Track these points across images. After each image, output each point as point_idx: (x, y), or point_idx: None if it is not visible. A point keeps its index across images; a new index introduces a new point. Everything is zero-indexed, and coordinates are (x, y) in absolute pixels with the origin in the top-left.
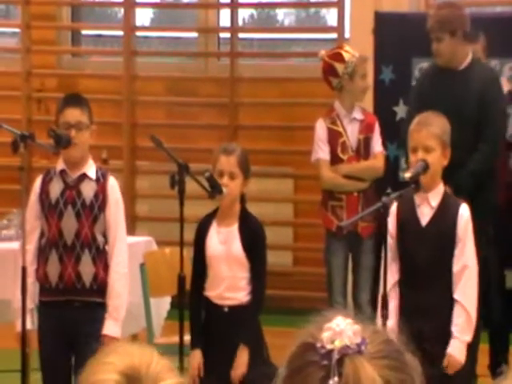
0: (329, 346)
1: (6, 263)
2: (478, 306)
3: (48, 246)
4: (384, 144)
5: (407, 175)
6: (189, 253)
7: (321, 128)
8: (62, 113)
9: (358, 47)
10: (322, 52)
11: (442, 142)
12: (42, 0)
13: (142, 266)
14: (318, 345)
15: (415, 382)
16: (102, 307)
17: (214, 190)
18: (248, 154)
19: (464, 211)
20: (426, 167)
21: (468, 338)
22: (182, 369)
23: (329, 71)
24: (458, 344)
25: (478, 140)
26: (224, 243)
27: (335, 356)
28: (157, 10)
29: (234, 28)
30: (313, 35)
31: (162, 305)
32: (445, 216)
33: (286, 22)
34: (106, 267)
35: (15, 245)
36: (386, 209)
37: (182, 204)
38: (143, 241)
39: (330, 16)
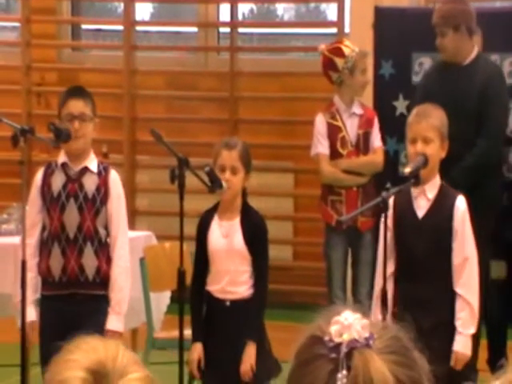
0: (337, 340)
1: (6, 257)
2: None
3: (50, 240)
4: (384, 139)
5: (407, 170)
6: (189, 247)
7: (320, 123)
8: (66, 104)
9: (358, 42)
10: (322, 46)
11: (440, 134)
12: None
13: (142, 260)
14: (326, 338)
15: (423, 379)
16: (104, 299)
17: (214, 184)
18: (249, 149)
19: (460, 203)
20: (425, 162)
21: (472, 330)
22: (181, 363)
23: (328, 66)
24: (464, 339)
25: (478, 135)
26: (226, 237)
27: (343, 349)
28: (157, 5)
29: (233, 22)
30: (313, 30)
31: (162, 299)
32: (441, 208)
33: (286, 17)
34: (109, 260)
35: (15, 239)
36: (385, 204)
37: (181, 198)
38: (143, 235)
39: (330, 11)
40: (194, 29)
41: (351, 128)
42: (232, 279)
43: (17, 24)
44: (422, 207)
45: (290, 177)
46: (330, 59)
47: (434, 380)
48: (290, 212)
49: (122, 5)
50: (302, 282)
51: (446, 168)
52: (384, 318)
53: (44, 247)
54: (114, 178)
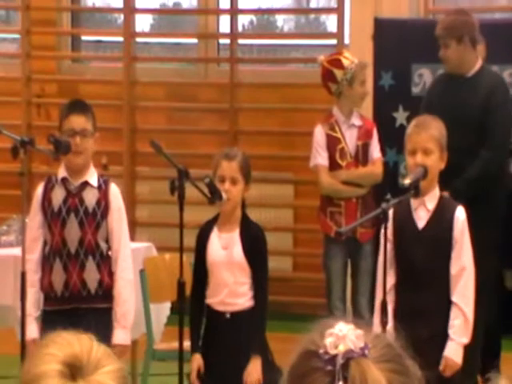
0: (332, 352)
1: (6, 269)
2: (478, 308)
3: (52, 255)
4: (383, 150)
5: (406, 181)
6: (189, 258)
7: (319, 134)
8: (67, 119)
9: (358, 53)
10: (321, 57)
11: (440, 145)
12: (42, 5)
13: (142, 271)
14: (321, 351)
15: None
16: (107, 312)
17: (214, 195)
18: (249, 159)
19: (460, 214)
20: (425, 173)
21: (465, 339)
22: (181, 374)
23: (328, 77)
24: (455, 346)
25: (481, 146)
26: (225, 248)
27: (340, 360)
28: (157, 16)
29: (233, 34)
30: (312, 41)
31: (162, 311)
32: (441, 219)
33: (286, 28)
34: (111, 273)
35: (15, 251)
36: (385, 215)
37: (181, 210)
38: (143, 246)
39: (330, 22)
40: (194, 40)
41: (350, 139)
42: (231, 291)
43: (17, 35)
44: (421, 218)
45: (289, 188)
46: (329, 70)
47: None
48: (289, 223)
49: (121, 16)
50: (302, 293)
51: (447, 178)
52: (384, 330)
53: (46, 262)
54: (115, 192)
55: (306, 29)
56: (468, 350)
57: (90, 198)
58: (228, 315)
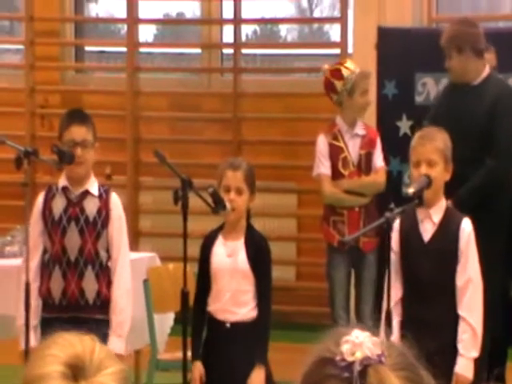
0: (349, 359)
1: (10, 279)
2: (485, 320)
3: (51, 263)
4: (387, 159)
5: (410, 190)
6: (192, 268)
7: (322, 143)
8: (68, 130)
9: (361, 62)
10: (325, 66)
11: (444, 157)
12: (46, 16)
13: (146, 281)
14: (338, 358)
15: None
16: (105, 324)
17: (218, 205)
18: (254, 169)
19: (466, 225)
20: (429, 182)
21: (474, 353)
22: None
23: (329, 87)
24: (465, 361)
25: (485, 154)
26: (230, 256)
27: (357, 367)
28: (160, 26)
29: (237, 44)
30: (316, 50)
31: (166, 321)
32: (447, 231)
33: (289, 38)
34: (110, 284)
35: (19, 261)
36: (389, 224)
37: (185, 219)
38: (147, 256)
39: (333, 31)
40: (198, 50)
41: (353, 148)
42: (234, 298)
43: (21, 46)
44: (427, 231)
45: (293, 197)
46: (329, 81)
47: None
48: (293, 232)
49: (125, 26)
50: (306, 303)
51: (452, 188)
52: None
53: (45, 270)
54: (115, 201)
55: (309, 38)
56: (475, 362)
57: (91, 207)
58: (228, 325)
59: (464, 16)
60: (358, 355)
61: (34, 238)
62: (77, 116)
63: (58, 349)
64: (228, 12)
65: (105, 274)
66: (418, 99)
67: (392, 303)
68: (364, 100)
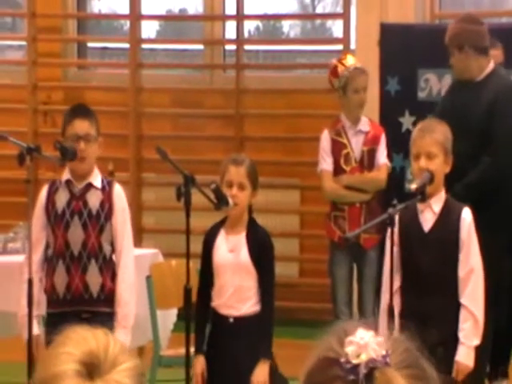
0: (354, 361)
1: (12, 276)
2: (487, 312)
3: (55, 257)
4: (390, 155)
5: (413, 186)
6: (195, 265)
7: (325, 139)
8: (71, 124)
9: (364, 58)
10: (333, 61)
11: (444, 149)
12: (48, 13)
13: (149, 278)
14: (343, 359)
15: None
16: (109, 317)
17: (221, 201)
18: (256, 166)
19: (466, 215)
20: (431, 178)
21: (476, 341)
22: (188, 381)
23: (330, 84)
24: (466, 350)
25: (484, 151)
26: (232, 251)
27: (362, 370)
28: (162, 23)
29: (239, 40)
30: (318, 47)
31: (169, 317)
32: (447, 221)
33: (292, 34)
34: (114, 277)
35: (22, 258)
36: (392, 221)
37: (188, 216)
38: (149, 253)
39: (336, 27)
40: (200, 46)
41: (356, 145)
42: (236, 294)
43: (23, 43)
44: (428, 221)
45: (296, 194)
46: (329, 78)
47: None
48: (296, 229)
49: (127, 23)
50: (309, 299)
51: (450, 183)
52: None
53: (49, 265)
54: (119, 193)
55: (311, 34)
56: (476, 352)
57: (94, 200)
58: (231, 320)
59: (468, 13)
60: (363, 357)
61: (37, 232)
62: (80, 111)
63: (72, 346)
64: (230, 8)
65: (108, 267)
66: (421, 95)
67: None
68: (357, 97)
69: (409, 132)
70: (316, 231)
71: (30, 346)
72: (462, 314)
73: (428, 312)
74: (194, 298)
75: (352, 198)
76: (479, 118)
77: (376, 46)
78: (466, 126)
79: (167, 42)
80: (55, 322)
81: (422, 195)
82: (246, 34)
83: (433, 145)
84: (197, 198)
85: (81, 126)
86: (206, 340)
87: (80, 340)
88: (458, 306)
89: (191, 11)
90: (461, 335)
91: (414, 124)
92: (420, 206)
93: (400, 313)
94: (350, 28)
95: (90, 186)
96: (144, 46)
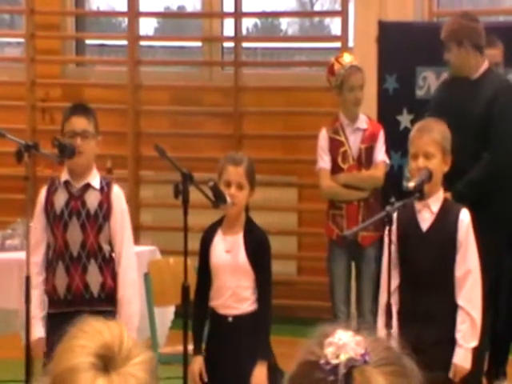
0: (334, 361)
1: (11, 273)
2: (485, 312)
3: (55, 259)
4: (388, 153)
5: (411, 184)
6: (193, 262)
7: (323, 138)
8: (68, 121)
9: (362, 56)
10: (332, 59)
11: (442, 148)
12: (47, 10)
13: (146, 275)
14: (322, 361)
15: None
16: (111, 316)
17: (218, 199)
18: (254, 164)
19: (464, 216)
20: (429, 176)
21: (473, 343)
22: (186, 378)
23: (328, 82)
24: (463, 352)
25: (483, 148)
26: (229, 252)
27: (342, 370)
28: (161, 20)
29: (237, 37)
30: (317, 44)
31: (167, 314)
32: (445, 221)
33: (290, 31)
34: (114, 275)
35: (20, 255)
36: (389, 218)
37: (185, 213)
38: (147, 250)
39: (334, 25)
40: (199, 43)
41: (354, 142)
42: (234, 294)
43: (21, 40)
44: (426, 220)
45: (294, 191)
46: (327, 76)
47: None
48: (294, 227)
49: (126, 20)
50: (307, 297)
51: (451, 181)
52: (389, 332)
53: (49, 266)
54: (117, 193)
55: (310, 32)
56: (474, 352)
57: (92, 200)
58: (230, 319)
59: (465, 10)
60: (342, 357)
61: (38, 233)
62: (78, 108)
63: (86, 339)
64: (229, 5)
65: (108, 266)
66: (419, 93)
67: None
68: (353, 95)
69: (407, 130)
70: (314, 229)
71: (27, 344)
72: (460, 316)
73: (425, 311)
74: (191, 295)
75: (350, 196)
76: (478, 116)
77: (374, 43)
78: (466, 123)
79: (165, 39)
80: (56, 322)
81: (420, 193)
82: (244, 32)
83: (431, 144)
84: (195, 195)
85: (78, 122)
86: (204, 339)
87: (95, 333)
88: (455, 305)
89: (189, 8)
90: (458, 337)
91: (412, 122)
92: (418, 206)
93: (398, 311)
94: (348, 26)
95: (88, 186)
96: (142, 43)
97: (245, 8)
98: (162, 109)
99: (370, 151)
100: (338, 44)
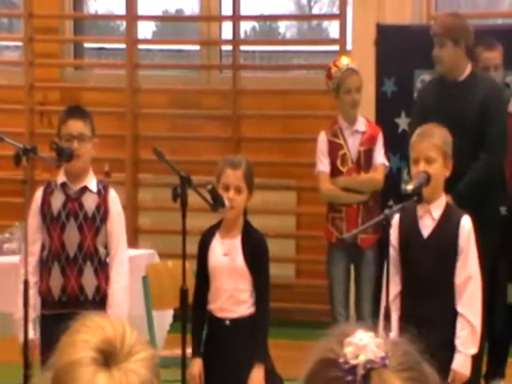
0: (353, 361)
1: (8, 277)
2: (483, 317)
3: (50, 259)
4: (386, 156)
5: (409, 187)
6: (191, 265)
7: (321, 141)
8: (65, 124)
9: (360, 59)
10: (330, 63)
11: (443, 153)
12: (45, 13)
13: (145, 278)
14: (341, 360)
15: None
16: None
17: (217, 202)
18: (253, 168)
19: (466, 222)
20: (428, 179)
21: (473, 350)
22: (184, 381)
23: (327, 86)
24: (463, 358)
25: (479, 149)
26: (227, 255)
27: (360, 371)
28: (159, 23)
29: (235, 40)
30: (315, 47)
31: (165, 317)
32: (447, 227)
33: (288, 34)
34: (108, 279)
35: (18, 258)
36: (388, 221)
37: (184, 217)
38: (146, 253)
39: (332, 28)
40: (197, 47)
41: (353, 145)
42: (232, 297)
43: (19, 43)
44: (427, 226)
45: (292, 195)
46: (325, 79)
47: None
48: (292, 230)
49: (124, 23)
50: (305, 300)
51: (449, 184)
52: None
53: (44, 267)
54: (114, 197)
55: (308, 35)
56: (473, 357)
57: (90, 202)
58: (228, 322)
59: (457, 12)
60: (362, 358)
61: (32, 233)
62: (74, 111)
63: (88, 333)
64: (227, 9)
65: (104, 270)
66: None
67: (390, 298)
68: (349, 98)
69: (405, 133)
70: (312, 232)
71: (25, 347)
72: (460, 322)
73: (426, 317)
74: (190, 298)
75: (349, 199)
76: (472, 118)
77: (372, 46)
78: (458, 126)
79: (164, 43)
80: (50, 324)
81: (419, 196)
82: (242, 35)
83: (431, 149)
84: (193, 198)
85: (74, 125)
86: (202, 342)
87: (97, 328)
88: (455, 311)
89: (187, 12)
90: (458, 343)
91: (409, 125)
92: (419, 212)
93: (399, 317)
94: (347, 29)
95: (85, 189)
96: (140, 46)
97: (243, 11)
98: (160, 112)
99: (369, 154)
100: (336, 47)
